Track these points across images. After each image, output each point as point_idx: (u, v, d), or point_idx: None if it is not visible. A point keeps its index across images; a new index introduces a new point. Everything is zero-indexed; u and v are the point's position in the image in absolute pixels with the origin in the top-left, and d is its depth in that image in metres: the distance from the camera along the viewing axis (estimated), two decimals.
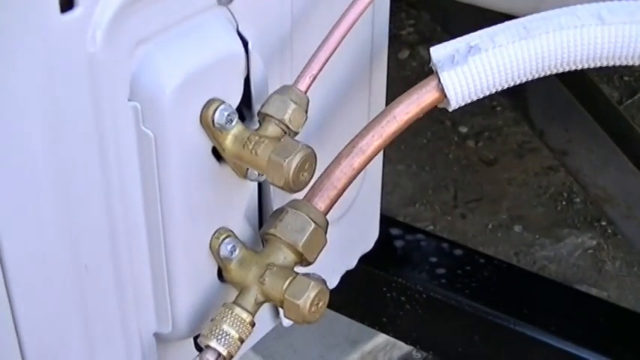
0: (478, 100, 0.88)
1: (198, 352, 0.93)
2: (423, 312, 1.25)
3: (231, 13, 0.81)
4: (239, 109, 0.82)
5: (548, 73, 0.88)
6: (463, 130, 2.84)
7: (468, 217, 2.57)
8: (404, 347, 2.18)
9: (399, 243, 1.31)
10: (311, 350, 2.08)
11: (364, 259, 1.17)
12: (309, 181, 0.81)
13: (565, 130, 1.54)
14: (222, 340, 0.81)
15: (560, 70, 0.88)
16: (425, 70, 2.99)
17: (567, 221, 2.55)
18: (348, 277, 1.13)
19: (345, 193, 0.85)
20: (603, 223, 2.52)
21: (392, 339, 2.12)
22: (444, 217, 2.56)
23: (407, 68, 2.98)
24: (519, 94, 1.56)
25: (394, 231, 1.32)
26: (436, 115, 2.44)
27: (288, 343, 2.06)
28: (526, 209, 2.59)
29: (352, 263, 1.14)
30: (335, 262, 1.07)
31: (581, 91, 1.47)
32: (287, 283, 0.82)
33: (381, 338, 2.12)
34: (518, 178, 2.69)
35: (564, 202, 2.60)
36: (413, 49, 3.09)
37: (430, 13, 2.05)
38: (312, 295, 0.82)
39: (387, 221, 1.23)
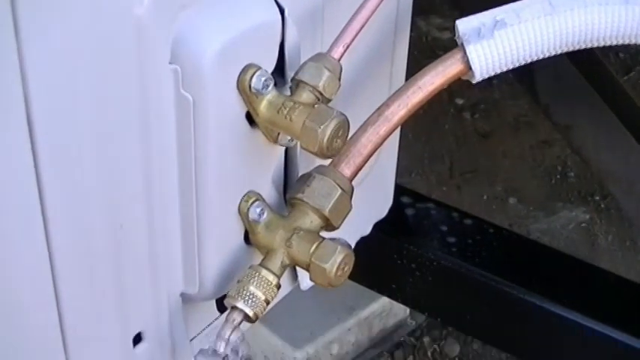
0: None
1: (220, 313, 0.96)
2: (432, 279, 1.27)
3: None
4: (272, 76, 0.83)
5: (572, 49, 0.90)
6: (459, 102, 2.85)
7: (463, 189, 2.59)
8: (399, 315, 2.21)
9: (409, 211, 1.33)
10: (307, 315, 2.09)
11: (376, 226, 1.18)
12: (341, 148, 0.83)
13: (570, 106, 1.56)
14: (249, 301, 0.83)
15: (584, 47, 0.90)
16: (422, 42, 3.00)
17: (561, 195, 2.57)
18: (359, 243, 1.15)
19: None
20: (597, 198, 2.54)
21: (388, 307, 2.15)
22: (440, 188, 2.57)
23: None
24: (526, 68, 1.57)
25: (405, 199, 1.34)
26: None
27: (285, 308, 2.07)
28: (521, 182, 2.61)
29: (367, 229, 1.16)
30: (352, 228, 1.09)
31: (587, 67, 1.48)
32: (314, 247, 0.84)
33: (377, 305, 2.14)
34: (513, 151, 2.70)
35: (558, 176, 2.63)
36: (411, 20, 3.09)
37: None
38: (339, 259, 0.83)
39: (397, 189, 1.24)
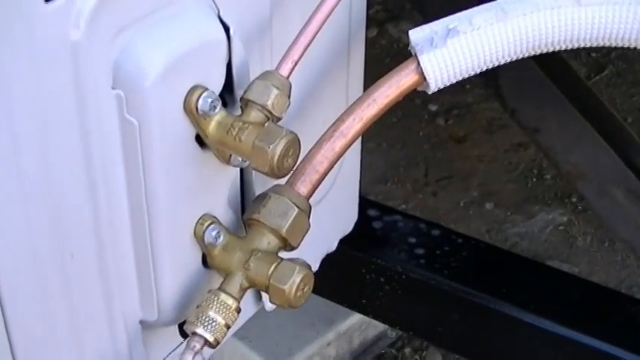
0: None
1: (183, 339, 0.94)
2: (402, 292, 1.26)
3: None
4: (221, 95, 0.82)
5: (527, 55, 0.88)
6: (433, 107, 2.85)
7: (440, 195, 2.58)
8: (379, 326, 2.20)
9: (376, 224, 1.31)
10: (286, 330, 2.08)
11: (342, 240, 1.17)
12: (293, 166, 0.81)
13: (537, 108, 1.55)
14: (209, 326, 0.81)
15: (538, 52, 0.89)
16: (394, 48, 3.00)
17: (538, 198, 2.57)
18: (326, 259, 1.14)
19: None
20: (574, 200, 2.54)
21: (367, 319, 2.13)
22: (416, 195, 2.57)
23: (376, 46, 2.98)
24: (491, 72, 1.56)
25: (371, 212, 1.32)
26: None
27: (263, 324, 2.06)
28: (497, 186, 2.60)
29: (332, 246, 1.15)
30: (316, 246, 1.08)
31: (552, 69, 1.48)
32: (272, 268, 0.82)
33: (356, 318, 2.13)
34: (488, 154, 2.70)
35: (535, 179, 2.62)
36: (381, 27, 3.09)
37: None
38: (298, 280, 0.82)
39: (364, 202, 1.23)
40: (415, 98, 2.84)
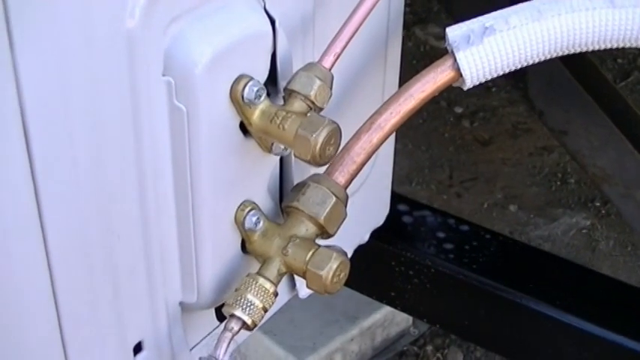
0: None
1: (219, 322, 0.97)
2: (430, 286, 1.28)
3: None
4: (265, 86, 0.84)
5: (560, 54, 0.90)
6: (458, 110, 2.87)
7: (464, 197, 2.60)
8: (402, 324, 2.22)
9: (406, 219, 1.33)
10: (310, 326, 2.10)
11: (372, 234, 1.19)
12: (334, 155, 0.84)
13: (565, 111, 1.56)
14: (247, 309, 0.84)
15: (572, 52, 0.90)
16: (420, 51, 3.02)
17: (561, 201, 2.58)
18: (356, 252, 1.16)
19: None
20: (597, 204, 2.55)
21: (390, 315, 2.15)
22: (440, 196, 2.59)
23: (403, 49, 3.00)
24: (520, 75, 1.58)
25: (402, 207, 1.34)
26: None
27: (288, 319, 2.09)
28: (521, 189, 2.62)
29: (365, 237, 1.17)
30: (349, 236, 1.10)
31: (581, 73, 1.49)
32: (310, 254, 0.85)
33: (380, 314, 2.15)
34: (512, 158, 2.71)
35: (558, 183, 2.63)
36: (408, 30, 3.11)
37: None
38: (335, 266, 0.84)
39: (394, 197, 1.25)
40: (440, 100, 2.86)
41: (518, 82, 1.62)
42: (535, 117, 1.79)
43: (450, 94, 2.82)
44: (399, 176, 2.59)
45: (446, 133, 2.80)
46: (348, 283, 1.28)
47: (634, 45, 0.90)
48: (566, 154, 2.49)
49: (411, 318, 2.21)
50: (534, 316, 1.22)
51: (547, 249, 2.41)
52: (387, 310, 2.13)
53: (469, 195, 2.60)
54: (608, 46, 0.90)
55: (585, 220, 2.52)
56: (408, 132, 2.69)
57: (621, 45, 0.90)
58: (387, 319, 2.17)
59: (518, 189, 2.62)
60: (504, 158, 2.71)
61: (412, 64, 2.88)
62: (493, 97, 2.87)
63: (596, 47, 0.90)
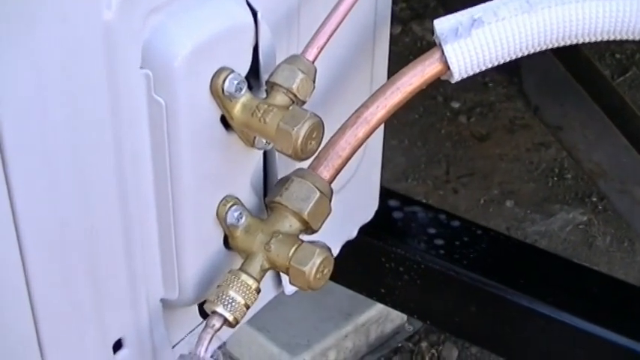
0: (470, 76, 0.89)
1: (202, 319, 0.95)
2: (421, 282, 1.27)
3: None
4: (247, 79, 0.83)
5: (550, 46, 0.89)
6: (455, 105, 2.85)
7: (460, 192, 2.58)
8: (396, 320, 2.21)
9: (397, 214, 1.32)
10: (305, 322, 2.09)
11: (362, 230, 1.18)
12: (316, 150, 0.82)
13: (560, 106, 1.55)
14: (229, 305, 0.82)
15: (562, 44, 0.89)
16: (417, 46, 3.00)
17: (558, 197, 2.57)
18: (346, 248, 1.14)
19: (348, 163, 0.87)
20: (594, 199, 2.54)
21: (385, 312, 2.14)
22: (437, 192, 2.57)
23: (399, 44, 2.99)
24: (514, 70, 1.56)
25: (392, 202, 1.33)
26: (428, 90, 2.46)
27: (281, 316, 2.07)
28: (517, 184, 2.60)
29: (353, 233, 1.16)
30: (336, 232, 1.09)
31: (576, 67, 1.48)
32: (293, 250, 0.83)
33: (374, 311, 2.14)
34: (509, 153, 2.70)
35: (555, 178, 2.62)
36: (405, 25, 3.10)
37: None
38: (318, 261, 0.83)
39: (385, 193, 1.24)
40: (437, 96, 2.84)
41: (513, 77, 1.61)
42: (532, 113, 1.78)
43: (447, 89, 2.81)
44: (395, 172, 2.59)
45: (443, 128, 2.78)
46: (339, 280, 1.28)
47: (625, 37, 0.89)
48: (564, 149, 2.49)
49: (406, 315, 2.20)
50: (525, 312, 1.21)
51: (544, 245, 2.40)
52: (381, 306, 2.12)
53: (466, 191, 2.59)
54: (599, 38, 0.89)
55: (582, 216, 2.51)
56: (404, 128, 2.68)
57: (612, 37, 0.89)
58: (381, 316, 2.16)
59: (515, 185, 2.60)
60: (501, 154, 2.70)
61: (409, 60, 2.86)
62: (490, 92, 2.86)
63: (587, 39, 0.88)
